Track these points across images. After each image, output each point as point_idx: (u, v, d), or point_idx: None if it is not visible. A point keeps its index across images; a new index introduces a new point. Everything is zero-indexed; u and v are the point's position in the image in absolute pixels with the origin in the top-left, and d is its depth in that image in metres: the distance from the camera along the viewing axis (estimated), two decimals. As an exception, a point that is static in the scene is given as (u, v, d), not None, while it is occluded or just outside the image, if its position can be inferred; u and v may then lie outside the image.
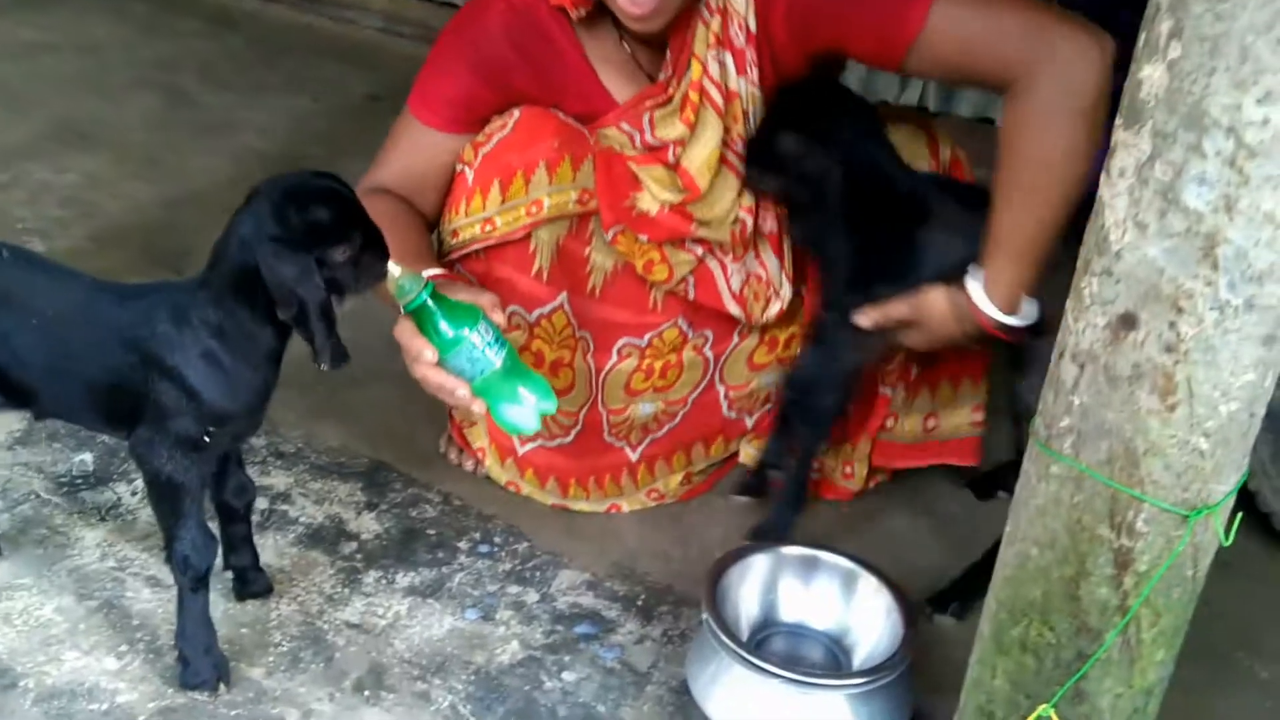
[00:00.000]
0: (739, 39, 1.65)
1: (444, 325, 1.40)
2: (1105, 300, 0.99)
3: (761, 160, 1.69)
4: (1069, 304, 1.03)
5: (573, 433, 1.85)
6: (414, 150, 1.74)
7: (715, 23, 1.64)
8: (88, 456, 1.87)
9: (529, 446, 1.85)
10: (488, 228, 1.69)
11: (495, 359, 1.41)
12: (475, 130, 1.72)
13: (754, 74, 1.67)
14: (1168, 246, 0.94)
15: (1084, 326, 1.01)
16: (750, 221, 1.75)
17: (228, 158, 3.11)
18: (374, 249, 1.37)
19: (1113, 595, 1.05)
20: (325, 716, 1.45)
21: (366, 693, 1.49)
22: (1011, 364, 1.71)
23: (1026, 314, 1.58)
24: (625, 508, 1.90)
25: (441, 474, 1.93)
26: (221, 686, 1.46)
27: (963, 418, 1.93)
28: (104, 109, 3.31)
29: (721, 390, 1.91)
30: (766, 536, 1.75)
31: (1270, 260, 0.90)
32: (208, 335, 1.36)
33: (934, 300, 1.61)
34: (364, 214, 1.37)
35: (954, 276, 1.59)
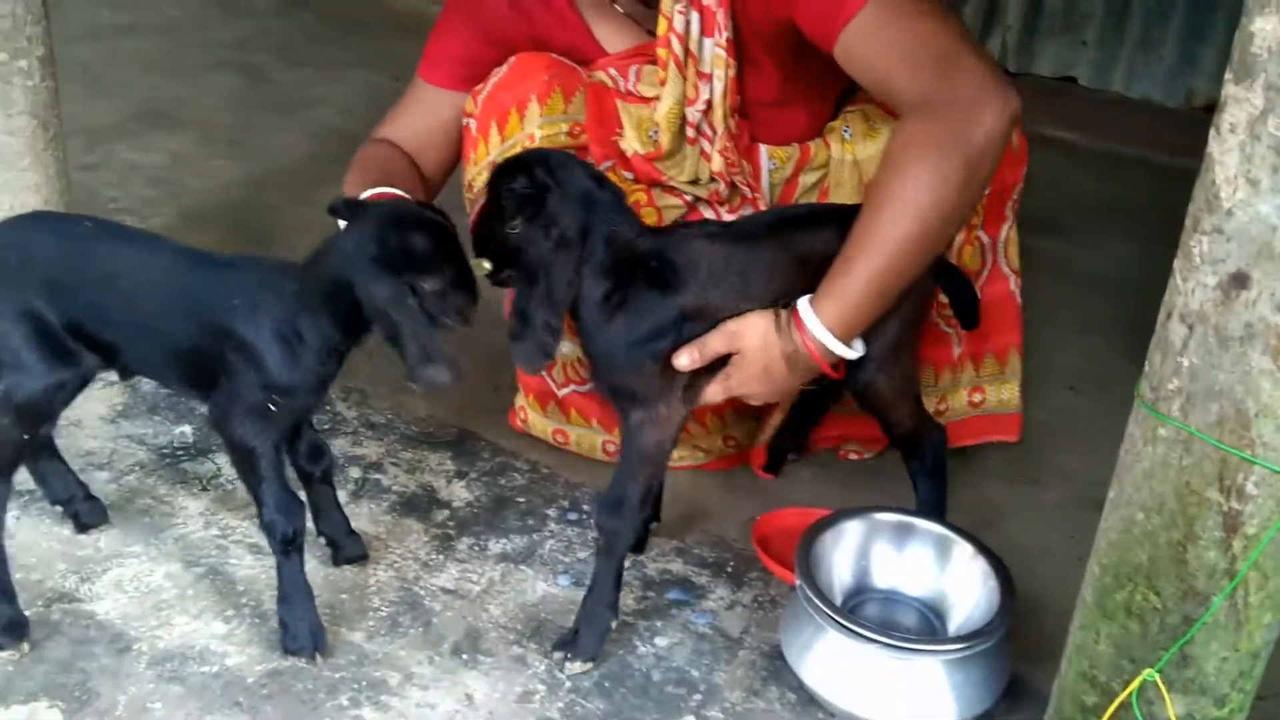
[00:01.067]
0: None
1: None
2: (1216, 259, 0.97)
3: (490, 252, 1.47)
4: (1176, 264, 1.02)
5: None
6: (418, 108, 1.79)
7: None
8: (187, 429, 1.92)
9: (565, 390, 1.88)
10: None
11: None
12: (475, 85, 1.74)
13: (721, 36, 1.64)
14: (1282, 204, 0.92)
15: (1193, 286, 0.99)
16: (723, 186, 1.74)
17: (308, 136, 3.16)
18: (462, 285, 1.41)
19: (1221, 558, 1.04)
20: (425, 679, 1.48)
21: (464, 656, 1.52)
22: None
23: (856, 349, 1.49)
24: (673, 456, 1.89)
25: (528, 443, 1.95)
26: (317, 656, 1.48)
27: (1009, 392, 1.94)
28: (184, 89, 3.38)
29: None
30: (577, 651, 1.51)
31: (1391, 216, 0.89)
32: (285, 322, 1.41)
33: (751, 325, 1.47)
34: (459, 249, 1.41)
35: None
